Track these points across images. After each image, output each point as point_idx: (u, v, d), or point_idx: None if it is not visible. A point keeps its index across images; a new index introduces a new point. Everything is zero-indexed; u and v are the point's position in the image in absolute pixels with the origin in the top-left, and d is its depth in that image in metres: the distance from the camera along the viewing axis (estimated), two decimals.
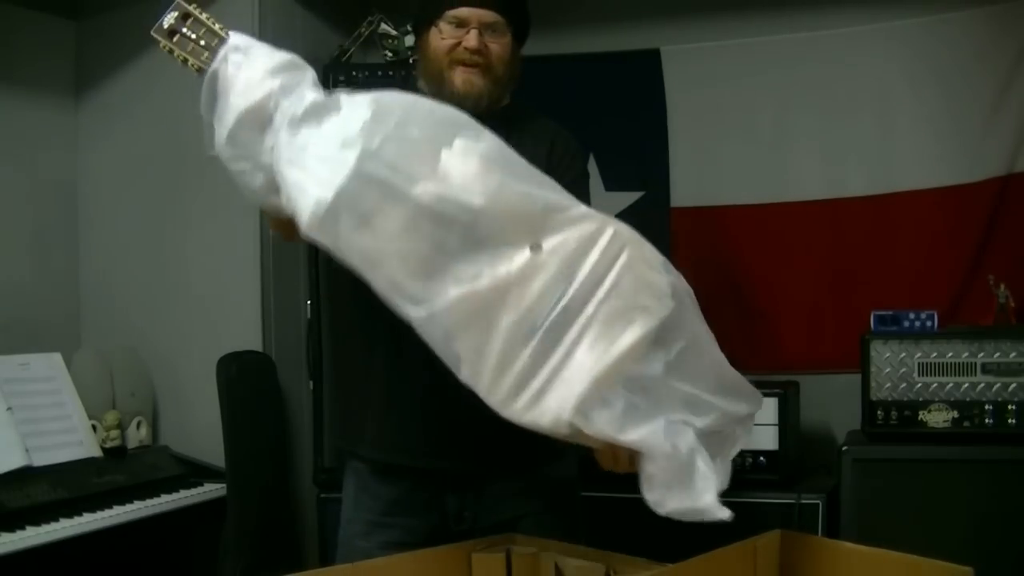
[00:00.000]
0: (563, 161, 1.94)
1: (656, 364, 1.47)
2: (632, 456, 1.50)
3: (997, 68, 3.04)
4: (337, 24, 3.46)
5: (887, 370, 2.73)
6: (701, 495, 1.48)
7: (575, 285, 1.46)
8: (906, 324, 2.76)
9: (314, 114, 1.51)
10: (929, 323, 2.76)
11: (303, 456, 3.21)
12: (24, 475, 2.61)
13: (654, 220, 3.33)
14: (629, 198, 3.39)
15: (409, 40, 3.09)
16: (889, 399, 2.72)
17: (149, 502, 2.76)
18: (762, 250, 3.31)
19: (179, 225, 3.24)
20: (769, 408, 2.74)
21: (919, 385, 2.71)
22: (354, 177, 1.44)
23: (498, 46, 1.88)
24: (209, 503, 2.91)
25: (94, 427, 2.93)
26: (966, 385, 2.67)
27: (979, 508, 2.57)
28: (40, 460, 2.69)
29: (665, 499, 1.48)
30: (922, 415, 2.70)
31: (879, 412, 2.72)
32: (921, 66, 3.14)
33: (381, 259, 1.47)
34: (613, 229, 1.49)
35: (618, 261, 1.47)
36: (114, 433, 2.98)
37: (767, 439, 2.77)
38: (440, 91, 1.87)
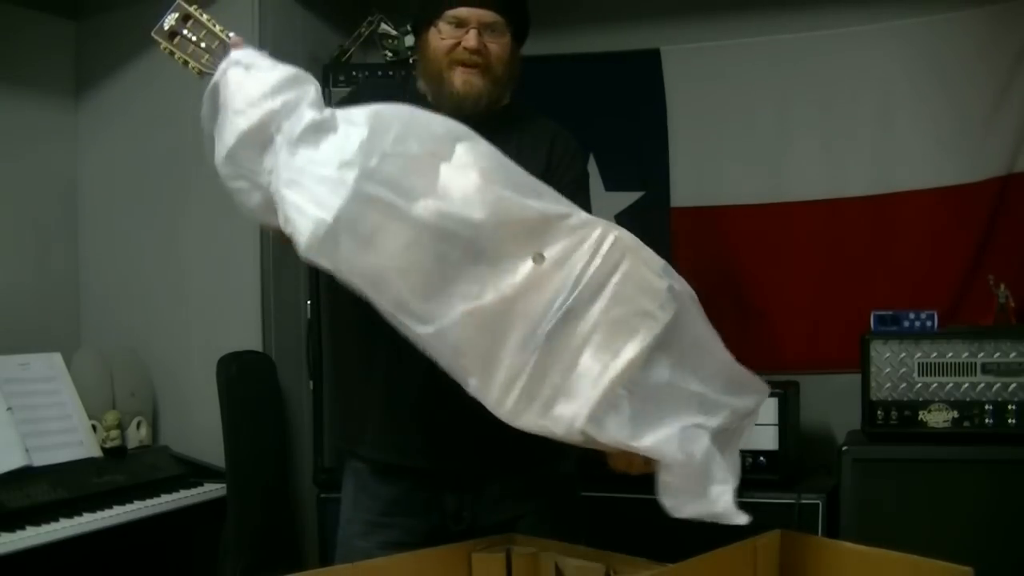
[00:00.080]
0: (563, 161, 1.94)
1: (662, 369, 1.48)
2: (646, 458, 1.50)
3: (998, 68, 3.04)
4: (337, 24, 3.46)
5: (887, 370, 2.73)
6: (717, 501, 1.50)
7: (577, 293, 1.46)
8: (906, 324, 2.76)
9: (312, 133, 1.49)
10: (929, 323, 2.76)
11: (303, 456, 3.21)
12: (24, 475, 2.61)
13: (654, 220, 3.33)
14: (629, 198, 3.39)
15: (409, 40, 3.09)
16: (889, 399, 2.72)
17: (149, 502, 2.76)
18: (762, 250, 3.31)
19: (179, 225, 3.24)
20: (769, 408, 2.74)
21: (919, 385, 2.70)
22: (353, 198, 1.43)
23: (497, 46, 1.88)
24: (209, 503, 2.91)
25: (94, 427, 2.93)
26: (966, 385, 2.67)
27: (979, 508, 2.57)
28: (40, 460, 2.69)
29: (682, 505, 1.49)
30: (922, 415, 2.70)
31: (879, 412, 2.72)
32: (921, 66, 3.14)
33: (384, 278, 1.46)
34: (614, 236, 1.49)
35: (620, 267, 1.47)
36: (114, 433, 2.98)
37: (767, 439, 2.77)
38: (439, 91, 1.88)
